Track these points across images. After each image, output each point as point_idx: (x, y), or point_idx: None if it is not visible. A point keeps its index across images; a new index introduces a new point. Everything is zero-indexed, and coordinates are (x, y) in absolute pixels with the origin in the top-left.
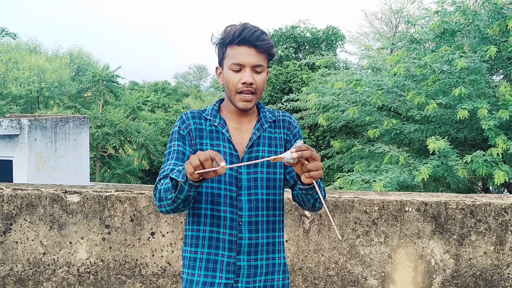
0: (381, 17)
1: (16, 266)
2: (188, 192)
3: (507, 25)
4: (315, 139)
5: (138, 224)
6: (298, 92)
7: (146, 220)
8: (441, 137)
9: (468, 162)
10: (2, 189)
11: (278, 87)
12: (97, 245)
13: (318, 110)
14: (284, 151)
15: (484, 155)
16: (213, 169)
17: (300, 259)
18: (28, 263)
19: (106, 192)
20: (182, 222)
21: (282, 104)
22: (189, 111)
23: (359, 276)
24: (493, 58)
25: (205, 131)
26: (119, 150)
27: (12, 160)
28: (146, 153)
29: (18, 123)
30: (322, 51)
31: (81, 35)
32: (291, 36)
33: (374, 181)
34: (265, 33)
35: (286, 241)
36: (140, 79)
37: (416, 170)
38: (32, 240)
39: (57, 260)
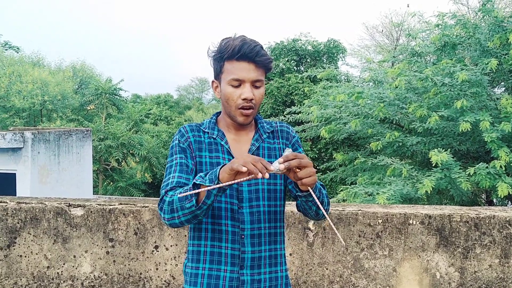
0: (382, 30)
1: (21, 280)
2: (215, 197)
3: (508, 38)
4: (317, 152)
5: (142, 237)
6: (300, 105)
7: (149, 233)
8: (443, 150)
9: (471, 174)
10: (6, 202)
11: (280, 100)
12: (101, 259)
13: (320, 122)
14: None
15: (487, 167)
16: (264, 170)
17: (305, 273)
18: (32, 277)
19: (110, 205)
20: (185, 236)
21: (284, 116)
22: (187, 125)
23: None
24: (494, 71)
25: (204, 143)
26: (122, 163)
27: (15, 173)
28: (148, 165)
29: (22, 136)
30: (323, 64)
31: (84, 47)
32: (293, 49)
33: (378, 193)
34: (263, 48)
35: (290, 254)
36: (143, 92)
37: (420, 183)
38: (36, 254)
39: (61, 274)
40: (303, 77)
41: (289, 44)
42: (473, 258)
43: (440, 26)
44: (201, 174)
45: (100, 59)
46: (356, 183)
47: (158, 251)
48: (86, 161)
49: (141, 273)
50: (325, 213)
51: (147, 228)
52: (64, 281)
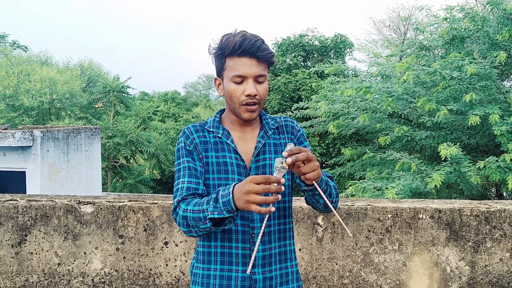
0: (390, 25)
1: (32, 277)
2: (230, 224)
3: None
4: (325, 147)
5: (151, 234)
6: (308, 100)
7: (159, 229)
8: (453, 144)
9: (481, 168)
10: (17, 200)
11: (287, 96)
12: (111, 255)
13: (328, 118)
14: None
15: (497, 161)
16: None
17: (314, 268)
18: (43, 274)
19: (120, 202)
20: None
21: (292, 112)
22: (191, 125)
23: (374, 284)
24: (503, 64)
25: (210, 143)
26: (130, 160)
27: (25, 172)
28: (157, 162)
29: (31, 134)
30: (330, 59)
31: (91, 46)
32: (300, 45)
33: (387, 188)
34: (264, 42)
35: (300, 249)
36: (150, 90)
37: (429, 177)
38: (47, 251)
39: (72, 271)
40: (310, 73)
41: (296, 39)
42: (484, 252)
43: (448, 20)
44: (213, 198)
45: (107, 58)
46: (364, 178)
47: (167, 247)
48: (95, 159)
49: (151, 269)
50: (331, 206)
51: (157, 224)
52: (74, 278)
